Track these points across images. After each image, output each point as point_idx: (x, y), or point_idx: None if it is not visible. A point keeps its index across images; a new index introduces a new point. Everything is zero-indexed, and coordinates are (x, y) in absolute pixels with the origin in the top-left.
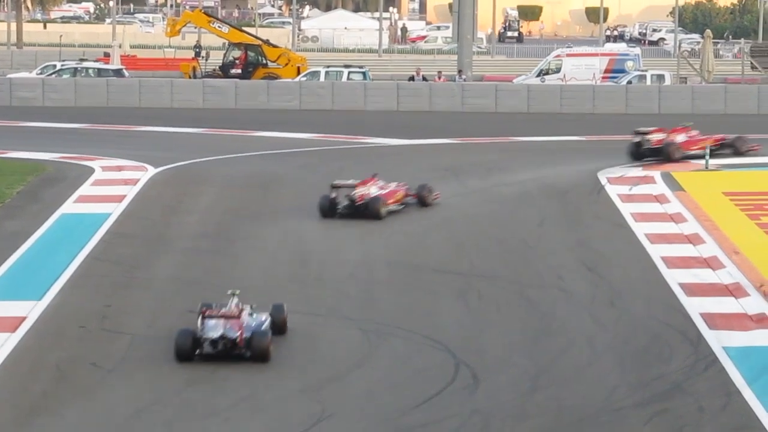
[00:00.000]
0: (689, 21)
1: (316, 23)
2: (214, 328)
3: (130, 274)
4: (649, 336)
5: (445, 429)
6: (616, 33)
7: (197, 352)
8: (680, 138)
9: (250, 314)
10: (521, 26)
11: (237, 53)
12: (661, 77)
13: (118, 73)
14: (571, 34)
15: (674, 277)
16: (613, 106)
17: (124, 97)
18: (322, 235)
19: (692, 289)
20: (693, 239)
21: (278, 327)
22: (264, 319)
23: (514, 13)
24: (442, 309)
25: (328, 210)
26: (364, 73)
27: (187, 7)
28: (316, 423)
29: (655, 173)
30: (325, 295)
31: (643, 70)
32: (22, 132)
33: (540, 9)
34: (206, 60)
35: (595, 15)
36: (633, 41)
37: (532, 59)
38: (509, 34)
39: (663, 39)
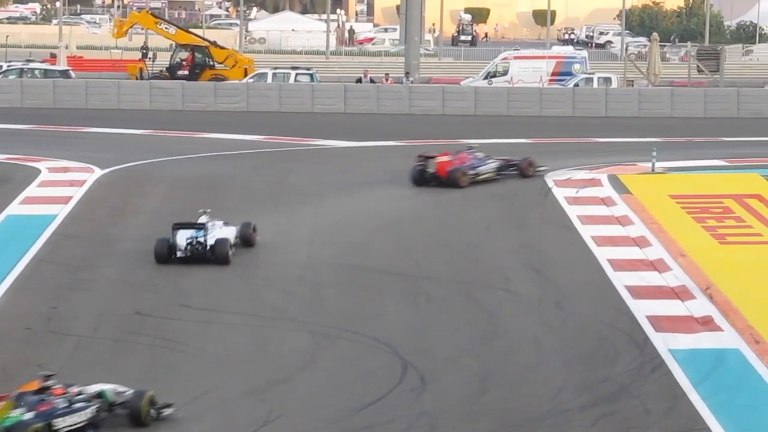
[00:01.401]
0: (636, 24)
1: (264, 25)
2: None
3: (76, 276)
4: (595, 338)
5: (393, 431)
6: (568, 36)
7: (173, 256)
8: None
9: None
10: (475, 30)
11: (184, 55)
12: (608, 80)
13: (64, 74)
14: (519, 37)
15: (621, 280)
16: (560, 108)
17: (70, 98)
18: (269, 235)
19: (639, 292)
20: (639, 242)
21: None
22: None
23: (468, 17)
24: (390, 311)
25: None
26: (311, 75)
27: (134, 8)
28: (263, 425)
29: (602, 176)
30: (273, 297)
31: (590, 73)
32: None
33: (488, 11)
34: (153, 61)
35: (542, 18)
36: (580, 44)
37: (480, 62)
38: (462, 38)
39: (610, 42)
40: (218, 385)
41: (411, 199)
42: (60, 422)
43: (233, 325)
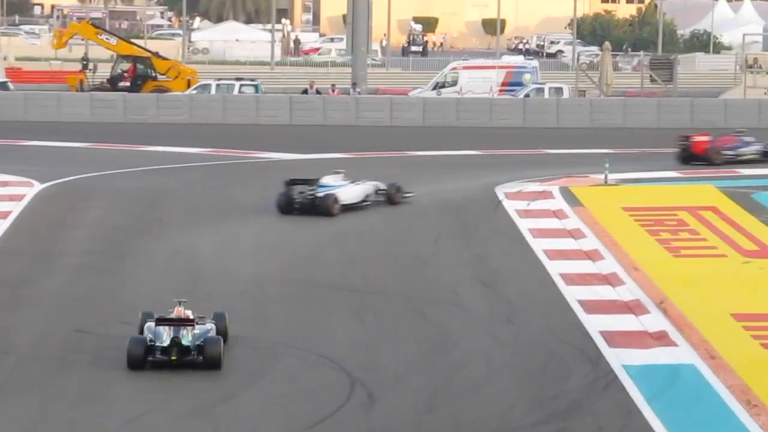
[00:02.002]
0: (588, 33)
1: (207, 35)
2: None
3: (15, 292)
4: (547, 353)
5: None
6: (518, 45)
7: (149, 358)
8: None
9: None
10: (425, 40)
11: (125, 66)
12: (559, 90)
13: (2, 85)
14: (468, 46)
15: (573, 294)
16: (510, 119)
17: (8, 110)
18: (213, 250)
19: (591, 306)
20: (592, 255)
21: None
22: (209, 327)
23: (419, 27)
24: (337, 326)
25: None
26: (256, 86)
27: (74, 18)
28: None
29: (554, 188)
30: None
31: (541, 83)
32: None
33: (436, 21)
34: (94, 72)
35: (491, 27)
36: (531, 53)
37: (429, 72)
38: (413, 48)
39: (561, 51)
40: (160, 405)
41: (358, 211)
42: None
43: None
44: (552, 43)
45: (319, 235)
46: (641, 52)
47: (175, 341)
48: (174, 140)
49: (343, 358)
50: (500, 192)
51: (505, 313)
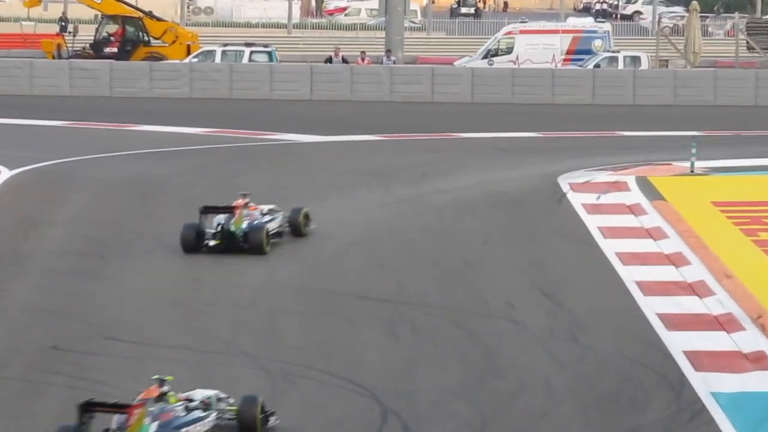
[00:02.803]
0: None
1: None
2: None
3: None
4: (619, 379)
5: None
6: (592, 6)
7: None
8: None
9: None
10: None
11: (112, 28)
12: (636, 60)
13: None
14: (526, 6)
15: (652, 307)
16: (577, 94)
17: None
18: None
19: (674, 322)
20: (675, 259)
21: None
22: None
23: None
24: (365, 344)
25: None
26: (269, 54)
27: None
28: None
29: (629, 178)
30: (220, 326)
31: (614, 51)
32: None
33: None
34: (74, 36)
35: None
36: (602, 15)
37: (478, 37)
38: (464, 10)
39: (639, 13)
40: None
41: (393, 207)
42: None
43: (171, 361)
44: (628, 2)
45: (345, 235)
46: (736, 14)
47: (223, 228)
48: (170, 118)
49: (372, 382)
50: (564, 183)
51: (568, 329)
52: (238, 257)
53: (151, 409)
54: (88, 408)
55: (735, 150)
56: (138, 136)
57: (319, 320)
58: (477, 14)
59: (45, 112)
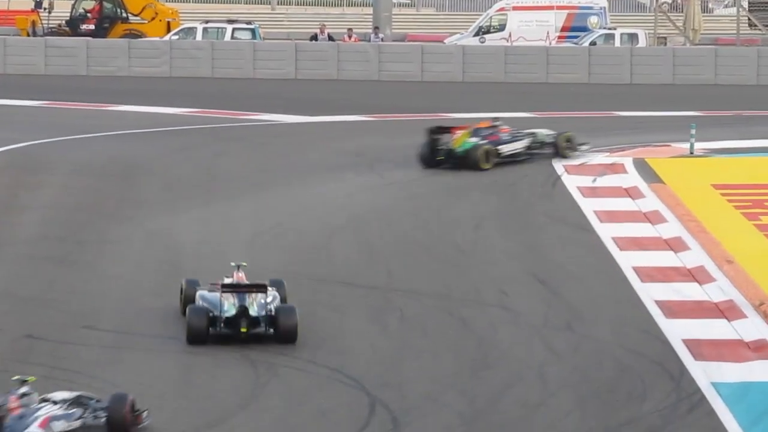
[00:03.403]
0: None
1: None
2: (229, 303)
3: None
4: (616, 368)
5: None
6: None
7: (213, 331)
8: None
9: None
10: None
11: (89, 4)
12: (633, 37)
13: None
14: None
15: (650, 294)
16: (572, 73)
17: None
18: (197, 237)
19: (673, 309)
20: (674, 244)
21: (558, 150)
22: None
23: None
24: (352, 333)
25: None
26: (253, 31)
27: None
28: None
29: (626, 160)
30: None
31: (610, 28)
32: None
33: None
34: (49, 13)
35: None
36: None
37: (469, 13)
38: None
39: None
40: (138, 429)
41: (380, 190)
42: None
43: (152, 351)
44: None
45: (332, 219)
46: None
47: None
48: (150, 98)
49: (360, 373)
50: (559, 165)
51: (564, 318)
52: (217, 244)
53: (484, 131)
54: None
55: (736, 131)
56: (116, 117)
57: (304, 308)
58: None
59: (19, 91)
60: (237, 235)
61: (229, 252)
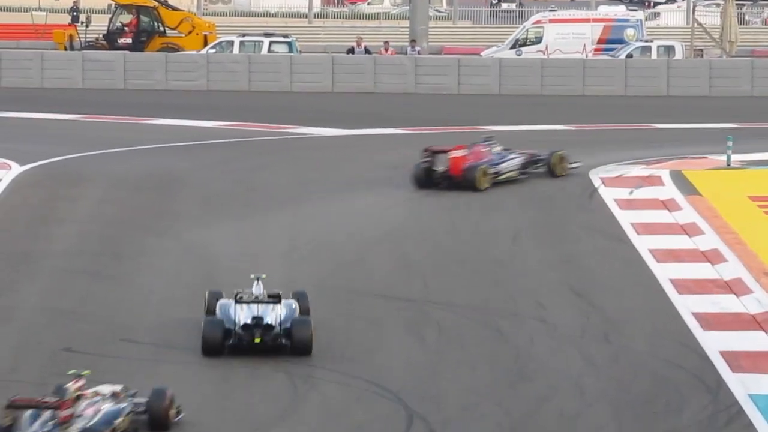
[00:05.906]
0: None
1: None
2: (245, 314)
3: None
4: (653, 380)
5: None
6: None
7: (229, 342)
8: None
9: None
10: None
11: (126, 18)
12: (670, 49)
13: None
14: None
15: (687, 306)
16: (608, 85)
17: None
18: (234, 250)
19: (710, 321)
20: (711, 257)
21: (551, 170)
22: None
23: None
24: (390, 346)
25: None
26: (290, 44)
27: None
28: None
29: (663, 172)
30: None
31: (647, 41)
32: None
33: None
34: (87, 27)
35: None
36: (634, 3)
37: (506, 26)
38: (504, 6)
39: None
40: None
41: (417, 203)
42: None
43: (188, 364)
44: None
45: (369, 232)
46: None
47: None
48: (187, 112)
49: (397, 386)
50: (595, 177)
51: (601, 329)
52: (254, 258)
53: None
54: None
55: None
56: (153, 130)
57: (341, 321)
58: (520, 5)
59: (57, 105)
60: (274, 248)
61: (266, 265)
